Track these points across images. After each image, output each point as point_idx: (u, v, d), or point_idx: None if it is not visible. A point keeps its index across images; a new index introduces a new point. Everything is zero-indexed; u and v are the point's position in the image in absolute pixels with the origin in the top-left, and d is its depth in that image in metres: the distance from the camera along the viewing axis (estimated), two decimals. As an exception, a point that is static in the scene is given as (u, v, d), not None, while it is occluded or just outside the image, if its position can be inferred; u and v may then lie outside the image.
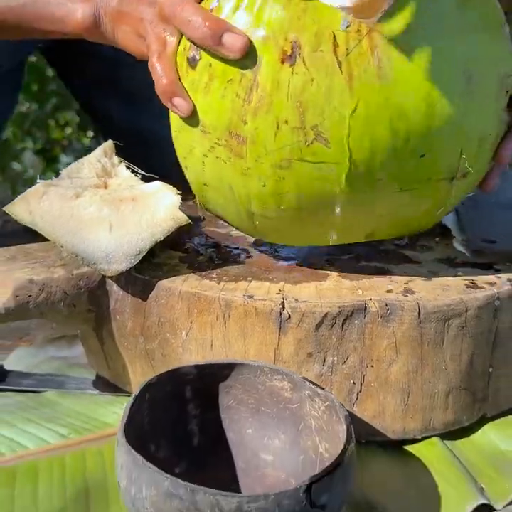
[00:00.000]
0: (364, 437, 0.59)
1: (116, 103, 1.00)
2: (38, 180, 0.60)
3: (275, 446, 0.55)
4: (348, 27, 0.50)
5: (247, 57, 0.53)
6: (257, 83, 0.53)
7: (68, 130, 2.69)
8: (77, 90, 1.06)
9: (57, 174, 0.62)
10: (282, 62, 0.52)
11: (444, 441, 0.61)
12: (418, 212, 0.59)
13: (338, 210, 0.55)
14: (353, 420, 0.58)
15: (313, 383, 0.54)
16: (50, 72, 2.56)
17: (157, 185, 0.61)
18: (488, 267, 0.63)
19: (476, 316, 0.57)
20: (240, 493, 0.53)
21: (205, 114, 0.56)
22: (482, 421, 0.63)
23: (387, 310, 0.56)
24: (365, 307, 0.56)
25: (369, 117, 0.51)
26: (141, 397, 0.52)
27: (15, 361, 0.72)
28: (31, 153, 2.64)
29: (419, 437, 0.60)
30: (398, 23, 0.50)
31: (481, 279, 0.60)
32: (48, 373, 0.70)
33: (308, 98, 0.51)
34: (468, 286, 0.59)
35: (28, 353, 0.74)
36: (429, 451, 0.59)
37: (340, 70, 0.51)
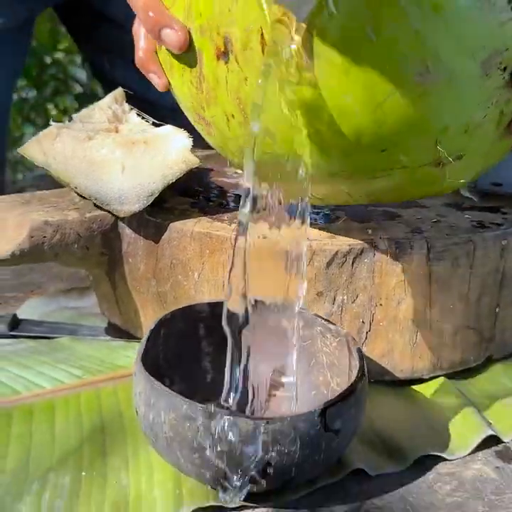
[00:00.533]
0: (373, 376, 0.60)
1: (123, 68, 1.00)
2: (50, 123, 0.61)
3: (287, 382, 0.57)
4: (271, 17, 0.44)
5: (190, 51, 0.50)
6: (203, 76, 0.50)
7: (68, 115, 2.69)
8: (86, 52, 1.07)
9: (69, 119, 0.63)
10: (218, 58, 0.48)
11: (452, 381, 0.62)
12: (414, 191, 0.54)
13: (318, 195, 0.53)
14: (362, 359, 0.60)
15: (325, 319, 0.55)
16: (48, 59, 2.57)
17: (169, 128, 0.61)
18: (495, 210, 0.64)
19: (484, 255, 0.58)
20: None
21: (176, 95, 0.56)
22: (489, 362, 0.64)
23: (397, 248, 0.57)
24: (375, 245, 0.57)
25: (309, 117, 0.47)
26: (156, 332, 0.53)
27: (27, 311, 0.73)
28: (31, 137, 2.64)
29: (427, 377, 0.62)
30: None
31: (488, 220, 0.61)
32: (61, 322, 0.71)
33: (246, 96, 0.48)
34: (475, 227, 0.60)
35: (40, 303, 0.75)
36: (436, 389, 0.61)
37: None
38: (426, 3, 0.42)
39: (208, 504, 0.49)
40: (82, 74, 2.69)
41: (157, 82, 0.55)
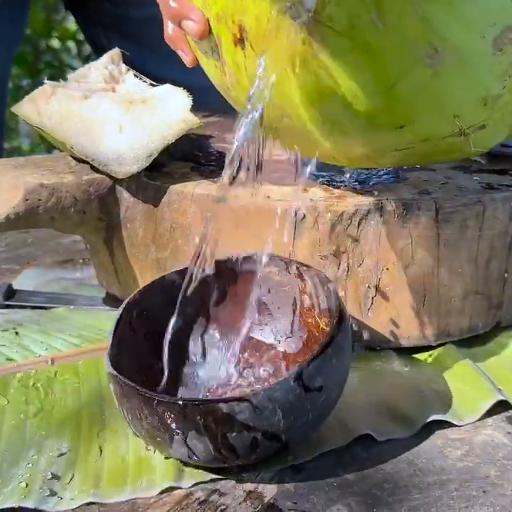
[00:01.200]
0: (379, 344, 0.59)
1: (120, 42, 0.99)
2: (44, 82, 0.59)
3: (277, 330, 0.55)
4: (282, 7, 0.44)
5: (211, 38, 0.50)
6: (224, 60, 0.51)
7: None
8: (84, 26, 1.06)
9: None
10: (235, 45, 0.49)
11: (460, 348, 0.60)
12: (440, 158, 0.54)
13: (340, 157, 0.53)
14: (367, 326, 0.58)
15: (299, 263, 0.54)
16: (43, 44, 2.55)
17: (168, 87, 0.60)
18: (503, 173, 0.62)
19: (493, 216, 0.57)
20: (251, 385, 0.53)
21: (206, 73, 0.55)
22: (497, 330, 0.62)
23: (404, 209, 0.55)
24: (381, 206, 0.55)
25: (321, 102, 0.47)
26: (126, 316, 0.52)
27: (23, 281, 0.72)
28: (26, 124, 2.62)
29: (435, 344, 0.60)
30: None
31: (496, 182, 0.60)
32: (57, 292, 0.70)
33: None
34: (484, 188, 0.58)
35: (36, 273, 0.74)
36: (444, 356, 0.59)
37: None
38: None
39: (208, 478, 0.47)
40: (77, 63, 2.68)
41: (185, 59, 0.54)
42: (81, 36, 2.66)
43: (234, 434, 0.42)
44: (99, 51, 1.04)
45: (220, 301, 0.54)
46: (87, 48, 2.75)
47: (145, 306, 0.53)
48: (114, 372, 0.45)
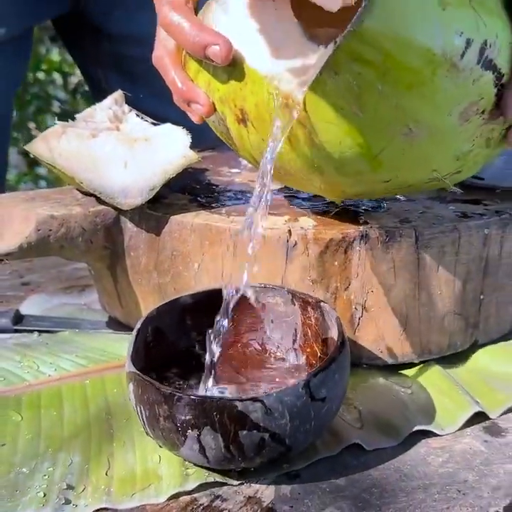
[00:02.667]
0: (366, 361, 0.64)
1: (118, 81, 1.03)
2: (55, 122, 0.64)
3: (277, 357, 0.60)
4: (279, 102, 0.51)
5: (217, 114, 0.56)
6: (230, 132, 0.57)
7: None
8: (82, 64, 1.10)
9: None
10: (238, 123, 0.55)
11: (440, 365, 0.65)
12: (424, 190, 0.62)
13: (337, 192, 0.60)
14: (355, 345, 0.63)
15: (303, 293, 0.58)
16: (30, 77, 2.59)
17: (169, 126, 0.65)
18: (477, 202, 0.67)
19: (468, 242, 0.62)
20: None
21: None
22: (474, 347, 0.67)
23: (387, 236, 0.60)
24: (366, 234, 0.60)
25: (316, 170, 0.54)
26: (144, 329, 0.56)
27: (29, 307, 0.76)
28: (15, 152, 2.66)
29: (417, 361, 0.65)
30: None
31: (471, 211, 0.65)
32: (62, 316, 0.74)
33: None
34: (459, 217, 0.63)
35: (41, 299, 0.77)
36: (426, 372, 0.64)
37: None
38: (400, 84, 0.47)
39: (211, 479, 0.51)
40: (62, 94, 2.73)
41: (193, 118, 0.57)
42: (66, 68, 2.73)
43: (245, 432, 0.47)
44: (96, 89, 1.08)
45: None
46: (73, 80, 2.81)
47: (160, 323, 0.58)
48: (136, 371, 0.50)
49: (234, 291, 0.53)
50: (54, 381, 0.62)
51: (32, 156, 0.64)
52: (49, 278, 0.85)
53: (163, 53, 0.58)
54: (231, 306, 0.53)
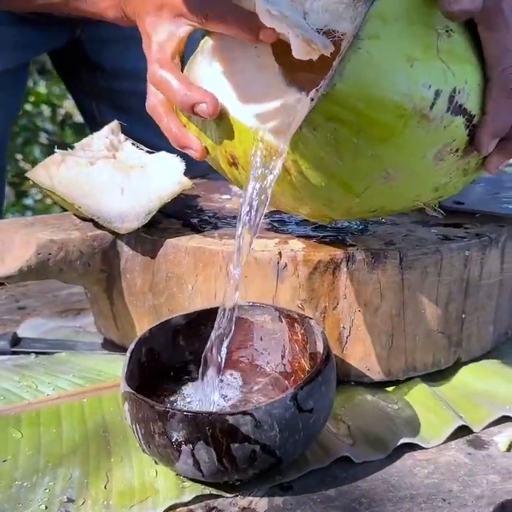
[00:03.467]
0: (354, 379, 0.66)
1: (111, 114, 1.06)
2: (55, 151, 0.67)
3: (267, 373, 0.62)
4: (264, 153, 0.55)
5: (209, 156, 0.60)
6: (224, 171, 0.61)
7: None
8: (77, 96, 1.13)
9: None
10: (230, 165, 0.59)
11: (425, 382, 0.68)
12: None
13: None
14: (343, 363, 0.65)
15: (290, 310, 0.61)
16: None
17: (163, 154, 0.68)
18: (458, 226, 0.70)
19: (450, 264, 0.65)
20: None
21: None
22: (458, 365, 0.70)
23: (372, 258, 0.63)
24: (353, 256, 0.63)
25: (305, 204, 0.58)
26: (137, 350, 0.59)
27: (26, 330, 0.78)
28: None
29: (402, 379, 0.67)
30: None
31: (452, 234, 0.68)
32: (59, 339, 0.76)
33: None
34: (442, 239, 0.66)
35: (37, 323, 0.80)
36: (411, 389, 0.66)
37: None
38: (374, 138, 0.51)
39: (207, 492, 0.53)
40: (50, 126, 2.77)
41: (194, 154, 0.60)
42: (54, 100, 2.76)
43: (236, 445, 0.49)
44: (90, 120, 1.12)
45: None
46: (61, 112, 2.85)
47: (153, 343, 0.60)
48: (131, 391, 0.52)
49: (228, 310, 0.55)
50: (52, 400, 0.64)
51: (32, 183, 0.66)
52: (44, 302, 0.87)
53: (155, 102, 0.61)
54: (228, 324, 0.56)
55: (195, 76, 0.58)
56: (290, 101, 0.54)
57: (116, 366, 0.70)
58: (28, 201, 2.74)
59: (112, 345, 0.74)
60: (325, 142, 0.51)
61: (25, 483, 0.54)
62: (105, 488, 0.54)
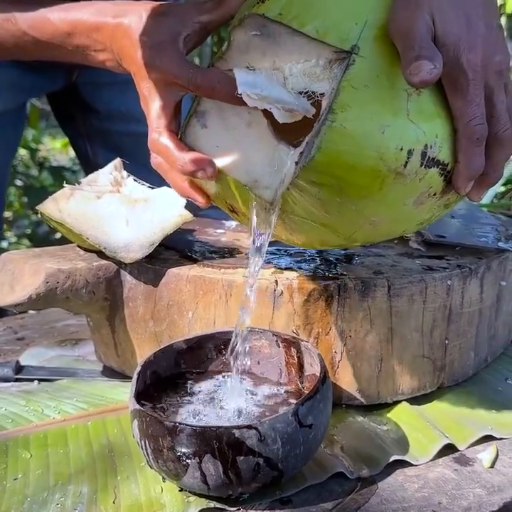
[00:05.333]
0: (345, 401, 0.70)
1: (104, 155, 1.10)
2: (64, 185, 0.71)
3: (264, 395, 0.66)
4: (258, 207, 0.60)
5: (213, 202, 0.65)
6: (226, 212, 0.66)
7: (15, 206, 2.75)
8: (71, 136, 1.17)
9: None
10: (231, 212, 0.64)
11: (412, 405, 0.71)
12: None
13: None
14: (335, 386, 0.69)
15: (286, 334, 0.65)
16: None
17: (166, 189, 0.72)
18: (440, 258, 0.75)
19: (434, 292, 0.69)
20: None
21: None
22: (442, 389, 0.74)
23: (363, 286, 0.67)
24: (344, 284, 0.67)
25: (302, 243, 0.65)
26: (143, 372, 0.62)
27: (28, 358, 0.80)
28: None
29: (390, 402, 0.71)
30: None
31: (435, 265, 0.73)
32: (60, 366, 0.78)
33: None
34: (426, 270, 0.71)
35: (38, 352, 0.82)
36: (399, 411, 0.70)
37: None
38: (354, 196, 0.56)
39: (212, 506, 0.56)
40: (30, 169, 2.81)
41: (200, 202, 0.65)
42: (33, 145, 2.80)
43: (242, 457, 0.52)
44: (84, 160, 1.16)
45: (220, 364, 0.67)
46: (39, 155, 2.89)
47: (157, 366, 0.64)
48: (141, 408, 0.55)
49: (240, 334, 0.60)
50: (58, 422, 0.67)
51: (40, 215, 0.70)
52: (42, 333, 0.89)
53: (160, 160, 0.64)
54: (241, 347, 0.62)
55: (191, 139, 0.62)
56: (281, 153, 0.58)
57: (117, 392, 0.73)
58: (3, 244, 2.76)
59: (111, 372, 0.77)
60: (312, 200, 0.56)
61: (37, 499, 0.56)
62: (114, 503, 0.56)
